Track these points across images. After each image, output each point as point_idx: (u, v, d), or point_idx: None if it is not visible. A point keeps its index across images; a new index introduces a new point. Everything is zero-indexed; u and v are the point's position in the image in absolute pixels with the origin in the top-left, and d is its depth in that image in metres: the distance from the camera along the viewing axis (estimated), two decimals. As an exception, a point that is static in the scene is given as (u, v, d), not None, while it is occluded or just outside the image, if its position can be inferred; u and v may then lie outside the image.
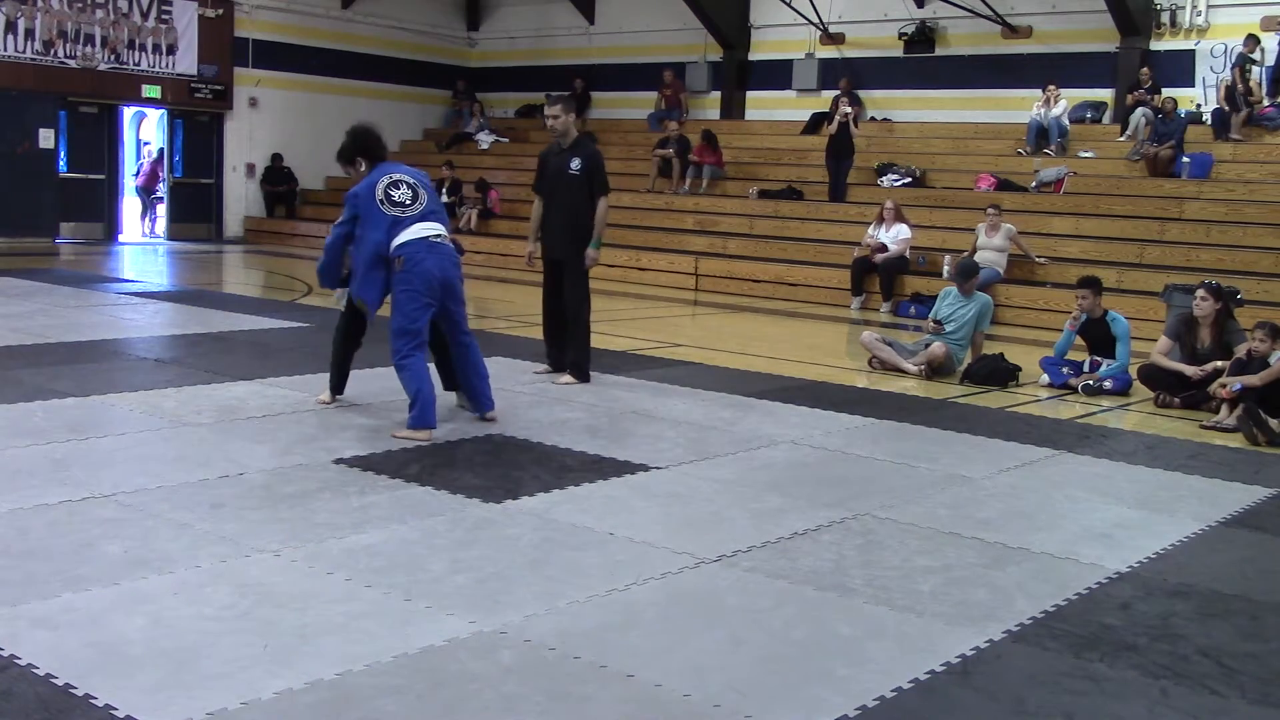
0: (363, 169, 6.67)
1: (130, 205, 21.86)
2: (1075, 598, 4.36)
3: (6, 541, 4.37)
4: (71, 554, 4.26)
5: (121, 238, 20.67)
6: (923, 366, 9.35)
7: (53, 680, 3.24)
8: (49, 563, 4.16)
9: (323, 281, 7.07)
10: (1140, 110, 16.30)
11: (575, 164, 7.97)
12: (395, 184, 6.50)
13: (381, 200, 6.42)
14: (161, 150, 21.88)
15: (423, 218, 6.44)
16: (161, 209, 21.66)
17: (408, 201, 6.45)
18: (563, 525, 4.93)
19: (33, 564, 4.14)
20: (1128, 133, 16.57)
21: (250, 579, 4.11)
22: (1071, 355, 9.39)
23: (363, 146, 6.76)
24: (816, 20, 19.90)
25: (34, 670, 3.30)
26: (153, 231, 21.51)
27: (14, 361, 8.10)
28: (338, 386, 7.15)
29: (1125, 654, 3.85)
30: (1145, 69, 16.82)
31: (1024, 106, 17.55)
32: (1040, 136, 17.04)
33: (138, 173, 22.29)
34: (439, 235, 6.50)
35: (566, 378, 8.13)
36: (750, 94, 21.41)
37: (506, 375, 8.37)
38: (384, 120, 23.44)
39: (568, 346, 8.18)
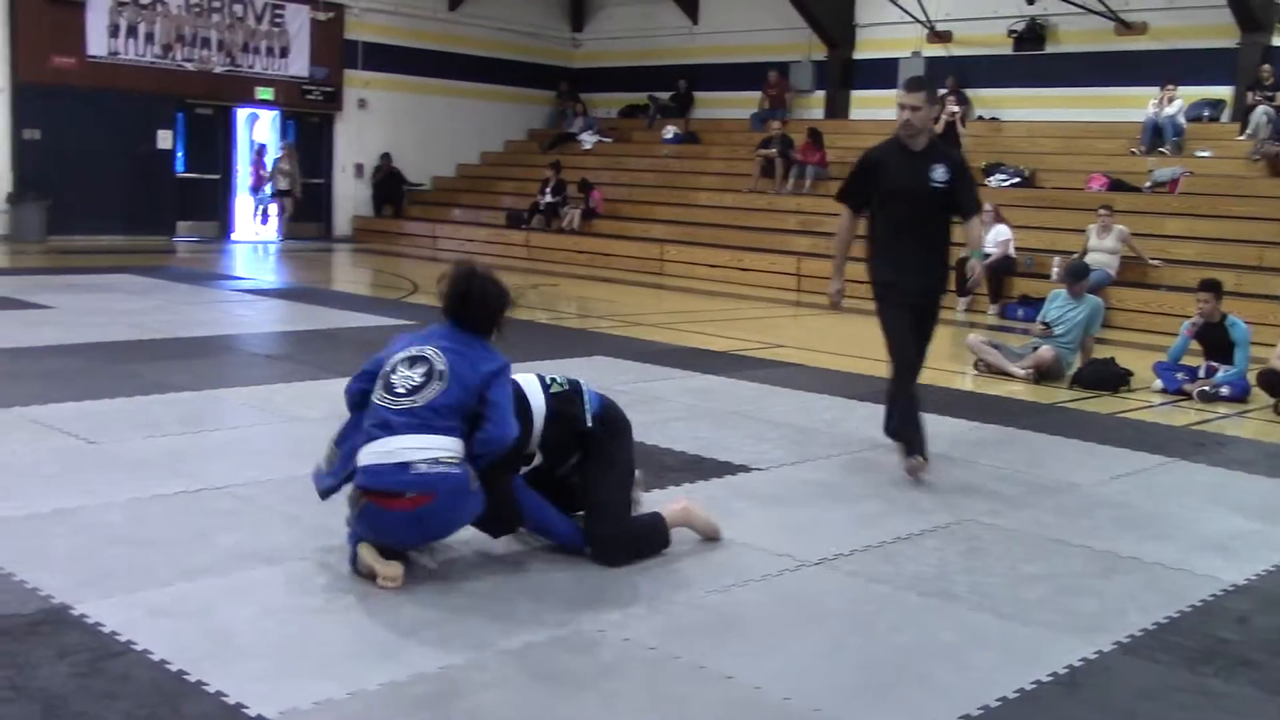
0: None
1: (242, 205, 22.36)
2: (1189, 610, 4.24)
3: (125, 531, 4.51)
4: (186, 544, 4.37)
5: (234, 236, 21.20)
6: (1030, 370, 9.16)
7: (167, 666, 3.34)
8: (165, 552, 4.28)
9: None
10: (1261, 109, 15.80)
11: (939, 173, 5.88)
12: (412, 360, 4.20)
13: (382, 380, 4.23)
14: (264, 148, 22.36)
15: (411, 427, 4.05)
16: (273, 209, 22.14)
17: (401, 390, 4.13)
18: (663, 525, 4.92)
19: (149, 553, 4.26)
20: (1247, 132, 16.06)
21: (362, 564, 4.17)
22: (1186, 360, 9.13)
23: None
24: (924, 18, 19.64)
25: (149, 656, 3.40)
26: (279, 232, 21.32)
27: (132, 356, 8.35)
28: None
29: (1242, 669, 3.72)
30: (1266, 66, 16.29)
31: (1138, 105, 17.10)
32: (1155, 136, 16.61)
33: (253, 172, 22.72)
34: (418, 470, 3.98)
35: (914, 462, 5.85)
36: (855, 93, 21.21)
37: (610, 374, 8.40)
38: (489, 121, 24.02)
39: (899, 412, 6.01)
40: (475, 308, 4.31)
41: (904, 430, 5.91)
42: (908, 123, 5.89)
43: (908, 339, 5.98)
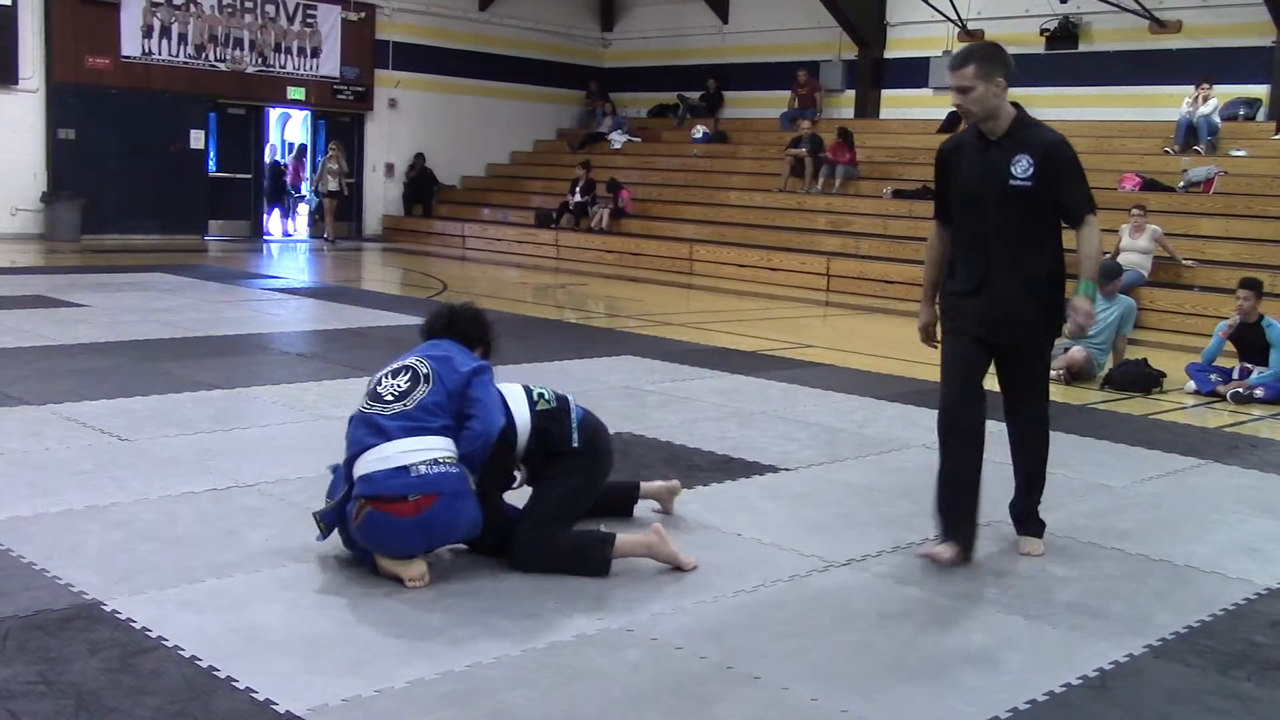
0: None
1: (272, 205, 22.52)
2: (1221, 613, 4.20)
3: (156, 527, 4.55)
4: (216, 541, 4.40)
5: (270, 235, 21.34)
6: (1061, 371, 9.10)
7: (197, 662, 3.36)
8: (195, 549, 4.31)
9: None
10: (1297, 107, 15.64)
11: (1022, 167, 4.51)
12: (395, 371, 4.25)
13: (367, 393, 4.27)
14: (304, 147, 22.49)
15: (405, 430, 4.04)
16: (303, 208, 22.27)
17: (389, 397, 4.14)
18: (690, 524, 4.92)
19: (180, 550, 4.30)
20: (1283, 130, 15.91)
21: (383, 570, 4.19)
22: (1220, 362, 9.05)
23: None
24: (955, 17, 19.54)
25: (180, 652, 3.42)
26: (326, 234, 20.97)
27: (164, 354, 8.42)
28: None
29: (1275, 673, 3.69)
30: (1303, 64, 16.13)
31: (1172, 104, 16.96)
32: (1189, 135, 16.46)
33: (289, 170, 22.80)
34: (417, 473, 3.97)
35: (1031, 544, 4.81)
36: (885, 92, 21.13)
37: (638, 374, 8.40)
38: (518, 120, 24.08)
39: (1024, 487, 4.94)
40: (460, 324, 4.47)
41: (939, 504, 4.68)
42: (961, 109, 4.59)
43: (958, 379, 4.70)
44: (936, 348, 4.86)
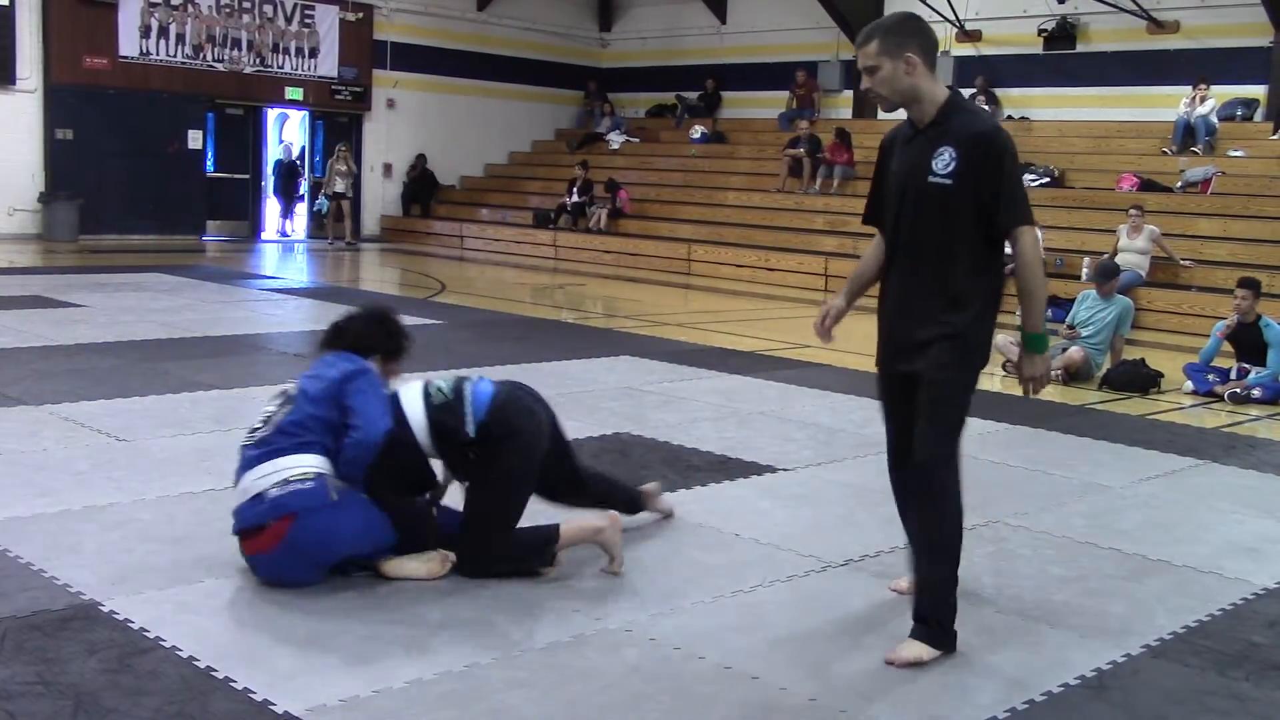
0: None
1: (271, 205, 22.43)
2: (1219, 613, 4.20)
3: (154, 528, 4.54)
4: (214, 541, 4.39)
5: (263, 235, 21.31)
6: (1059, 371, 9.11)
7: (195, 663, 3.36)
8: (193, 549, 4.30)
9: None
10: (1295, 107, 15.65)
11: (944, 161, 3.66)
12: (274, 397, 4.22)
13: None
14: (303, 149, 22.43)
15: (259, 458, 3.96)
16: (301, 208, 22.20)
17: (256, 425, 4.09)
18: (689, 525, 4.92)
19: (178, 550, 4.29)
20: (1281, 131, 15.92)
21: (391, 574, 4.18)
22: (1218, 362, 9.05)
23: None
24: (953, 17, 19.55)
25: (178, 652, 3.42)
26: (338, 236, 20.57)
27: (162, 354, 8.41)
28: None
29: (1273, 673, 3.69)
30: (1300, 64, 16.14)
31: (1169, 104, 16.97)
32: (1187, 135, 16.47)
33: (299, 170, 22.59)
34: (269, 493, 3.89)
35: (907, 648, 3.66)
36: (884, 93, 21.10)
37: (636, 374, 8.41)
38: (517, 120, 24.09)
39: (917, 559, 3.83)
40: (348, 336, 4.27)
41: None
42: (872, 94, 3.84)
43: (889, 434, 3.99)
44: (827, 338, 4.11)
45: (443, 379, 4.29)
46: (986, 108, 16.80)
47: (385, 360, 4.30)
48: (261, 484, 3.89)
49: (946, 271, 3.68)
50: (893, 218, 3.82)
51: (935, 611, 3.66)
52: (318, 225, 20.99)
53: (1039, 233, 3.63)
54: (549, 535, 4.16)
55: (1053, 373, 9.08)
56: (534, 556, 4.15)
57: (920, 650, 3.62)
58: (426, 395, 4.17)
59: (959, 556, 3.72)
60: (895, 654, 3.62)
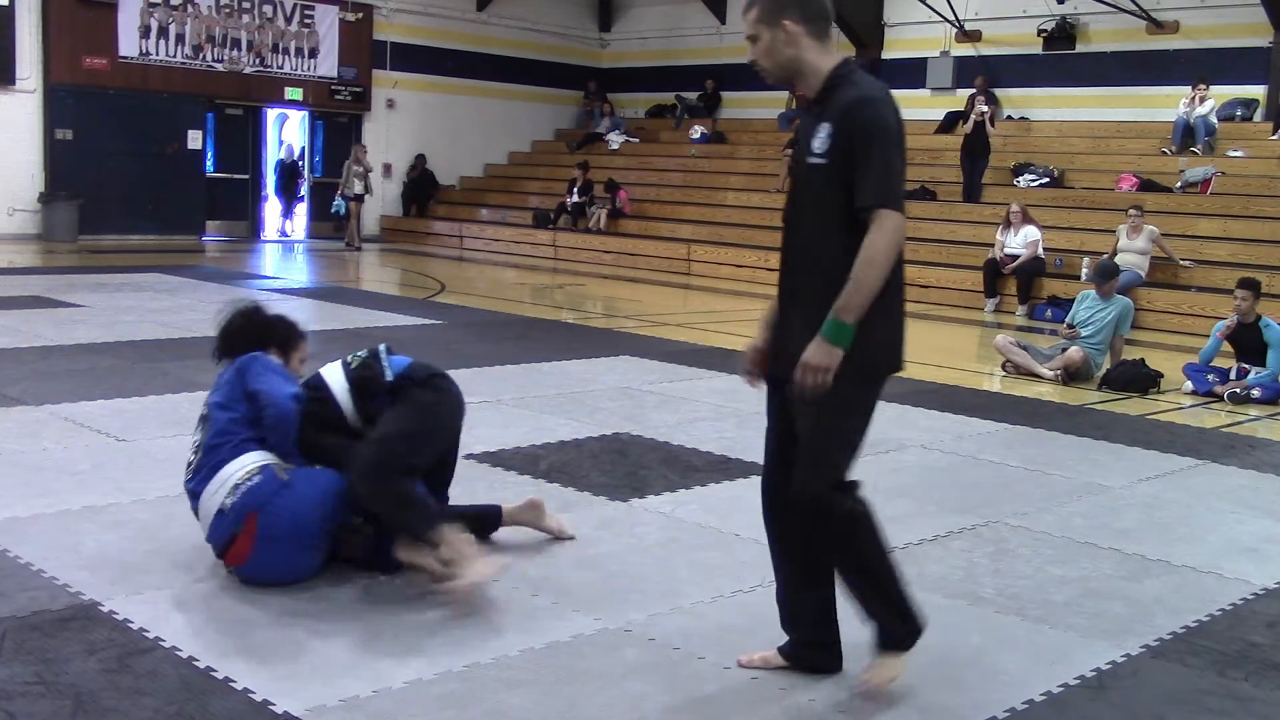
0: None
1: (271, 205, 22.43)
2: (1219, 613, 4.20)
3: (153, 528, 4.54)
4: (214, 541, 4.40)
5: (263, 235, 21.30)
6: (1059, 371, 9.11)
7: (195, 663, 3.36)
8: (193, 549, 4.29)
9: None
10: (1295, 108, 15.66)
11: (820, 138, 3.26)
12: (197, 424, 4.24)
13: None
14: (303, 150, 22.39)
15: (203, 481, 4.02)
16: (301, 209, 22.17)
17: (190, 457, 4.17)
18: (688, 525, 4.92)
19: (178, 550, 4.29)
20: (1281, 131, 15.93)
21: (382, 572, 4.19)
22: (1218, 362, 9.06)
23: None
24: (953, 17, 19.56)
25: (177, 652, 3.42)
26: (350, 238, 20.16)
27: (161, 354, 8.41)
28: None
29: (1273, 674, 3.69)
30: (1300, 64, 16.14)
31: (1169, 104, 16.98)
32: (1186, 135, 16.47)
33: (300, 171, 22.52)
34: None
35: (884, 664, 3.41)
36: (883, 93, 21.12)
37: (636, 374, 8.41)
38: (516, 121, 24.08)
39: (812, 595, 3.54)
40: (236, 347, 4.29)
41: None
42: (755, 66, 3.48)
43: (770, 439, 3.68)
44: (756, 385, 3.69)
45: (355, 354, 4.30)
46: (986, 108, 16.75)
47: (283, 351, 4.33)
48: (217, 500, 3.93)
49: (828, 261, 3.20)
50: (785, 210, 3.41)
51: (876, 618, 3.39)
52: (336, 228, 20.75)
53: (899, 221, 3.11)
54: (444, 513, 4.04)
55: (1053, 373, 9.11)
56: (420, 515, 3.94)
57: (887, 670, 3.37)
58: (345, 364, 4.24)
59: (876, 564, 3.38)
60: (865, 681, 3.37)
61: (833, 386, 3.16)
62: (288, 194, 21.50)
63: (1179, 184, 15.60)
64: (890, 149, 3.15)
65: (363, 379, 4.15)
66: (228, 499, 3.90)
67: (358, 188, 19.98)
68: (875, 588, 3.37)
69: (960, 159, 17.18)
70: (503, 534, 4.53)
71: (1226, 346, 9.04)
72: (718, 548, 4.65)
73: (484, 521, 4.45)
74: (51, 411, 6.41)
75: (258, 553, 3.90)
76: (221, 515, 3.92)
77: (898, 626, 3.39)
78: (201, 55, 19.73)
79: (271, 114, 21.58)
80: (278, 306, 11.54)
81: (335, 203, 20.41)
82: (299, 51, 20.85)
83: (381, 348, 4.28)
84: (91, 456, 5.55)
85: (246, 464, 3.95)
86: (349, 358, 4.28)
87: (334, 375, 4.21)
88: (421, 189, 22.39)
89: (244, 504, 3.89)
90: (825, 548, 3.40)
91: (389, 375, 4.15)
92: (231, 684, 3.25)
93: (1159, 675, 3.64)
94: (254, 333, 4.33)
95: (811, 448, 3.31)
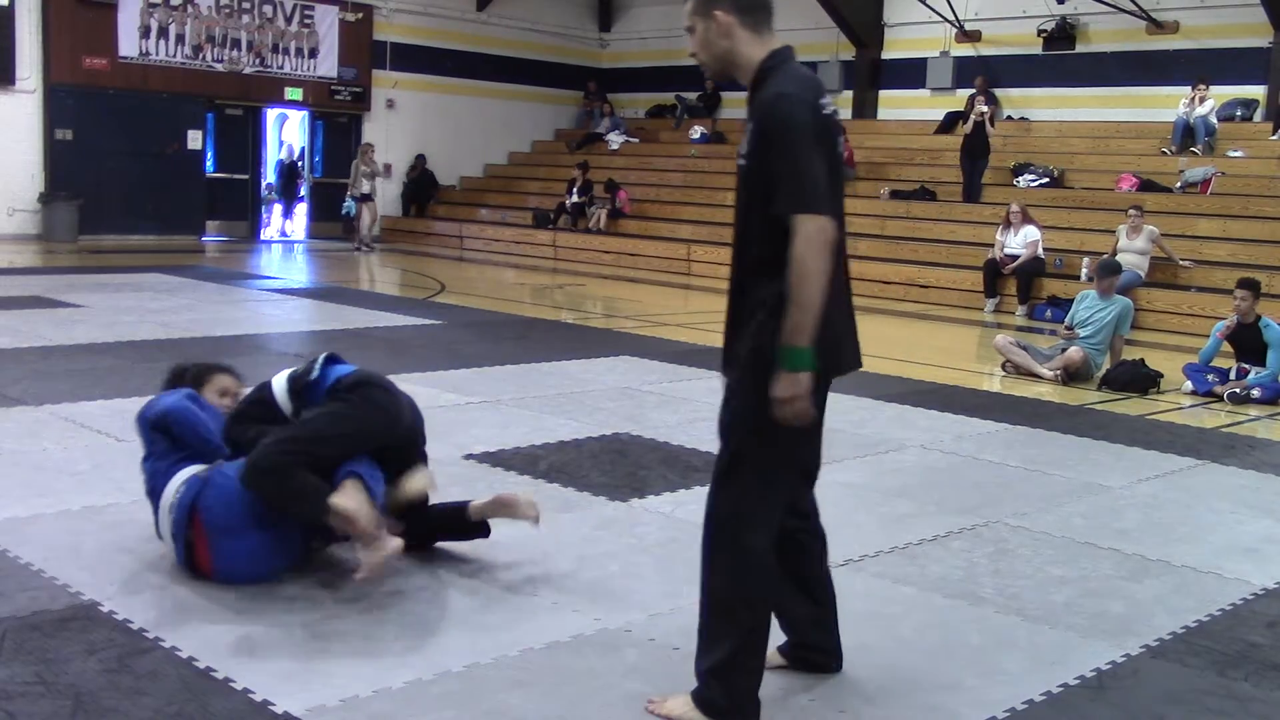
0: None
1: (266, 204, 22.41)
2: (1219, 613, 4.20)
3: (152, 529, 4.53)
4: (214, 541, 4.40)
5: (263, 236, 21.29)
6: (1058, 371, 9.11)
7: (195, 663, 3.36)
8: (193, 549, 4.30)
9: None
10: (1294, 108, 15.66)
11: (747, 138, 3.16)
12: None
13: None
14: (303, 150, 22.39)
15: (156, 514, 4.22)
16: (301, 209, 22.17)
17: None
18: (688, 525, 4.91)
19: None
20: (1280, 131, 15.93)
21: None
22: (1217, 362, 9.06)
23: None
24: (952, 18, 19.57)
25: (177, 653, 3.42)
26: (361, 241, 19.92)
27: (161, 355, 8.40)
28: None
29: (1273, 674, 3.69)
30: (1300, 64, 16.15)
31: (1169, 105, 16.98)
32: (1186, 135, 16.47)
33: (299, 171, 22.49)
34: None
35: (672, 704, 3.22)
36: (883, 93, 21.15)
37: (636, 375, 8.41)
38: (516, 121, 24.08)
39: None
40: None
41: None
42: (696, 60, 3.27)
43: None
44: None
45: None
46: (986, 108, 16.74)
47: (199, 385, 4.46)
48: (166, 525, 4.04)
49: (763, 265, 3.06)
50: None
51: (719, 675, 3.09)
52: (346, 229, 20.68)
53: (821, 223, 2.94)
54: (327, 491, 3.96)
55: (1053, 373, 9.11)
56: (306, 492, 3.92)
57: (685, 711, 3.13)
58: (292, 372, 4.37)
59: (757, 628, 3.13)
60: (658, 704, 3.21)
61: (765, 409, 3.01)
62: (287, 194, 21.49)
63: (1179, 184, 15.60)
64: (800, 149, 2.96)
65: (295, 381, 4.33)
66: (169, 515, 4.02)
67: (365, 187, 19.93)
68: (742, 647, 3.10)
69: (960, 159, 17.19)
70: (503, 534, 4.53)
71: (1226, 347, 9.04)
72: (718, 548, 4.64)
73: (450, 520, 4.43)
74: (51, 411, 6.41)
75: (217, 550, 3.96)
76: (174, 536, 4.02)
77: (723, 698, 3.08)
78: (201, 55, 19.73)
79: (271, 114, 21.58)
80: (278, 306, 11.40)
81: (345, 204, 20.37)
82: (299, 52, 20.85)
83: (321, 356, 4.41)
84: (91, 456, 5.55)
85: (175, 484, 4.05)
86: (296, 369, 4.42)
87: (279, 380, 4.37)
88: (421, 189, 22.39)
89: (180, 517, 3.98)
90: (719, 578, 3.19)
91: (315, 375, 4.29)
92: (231, 684, 3.25)
93: (1159, 675, 3.64)
94: (168, 384, 4.55)
95: (734, 450, 3.22)
